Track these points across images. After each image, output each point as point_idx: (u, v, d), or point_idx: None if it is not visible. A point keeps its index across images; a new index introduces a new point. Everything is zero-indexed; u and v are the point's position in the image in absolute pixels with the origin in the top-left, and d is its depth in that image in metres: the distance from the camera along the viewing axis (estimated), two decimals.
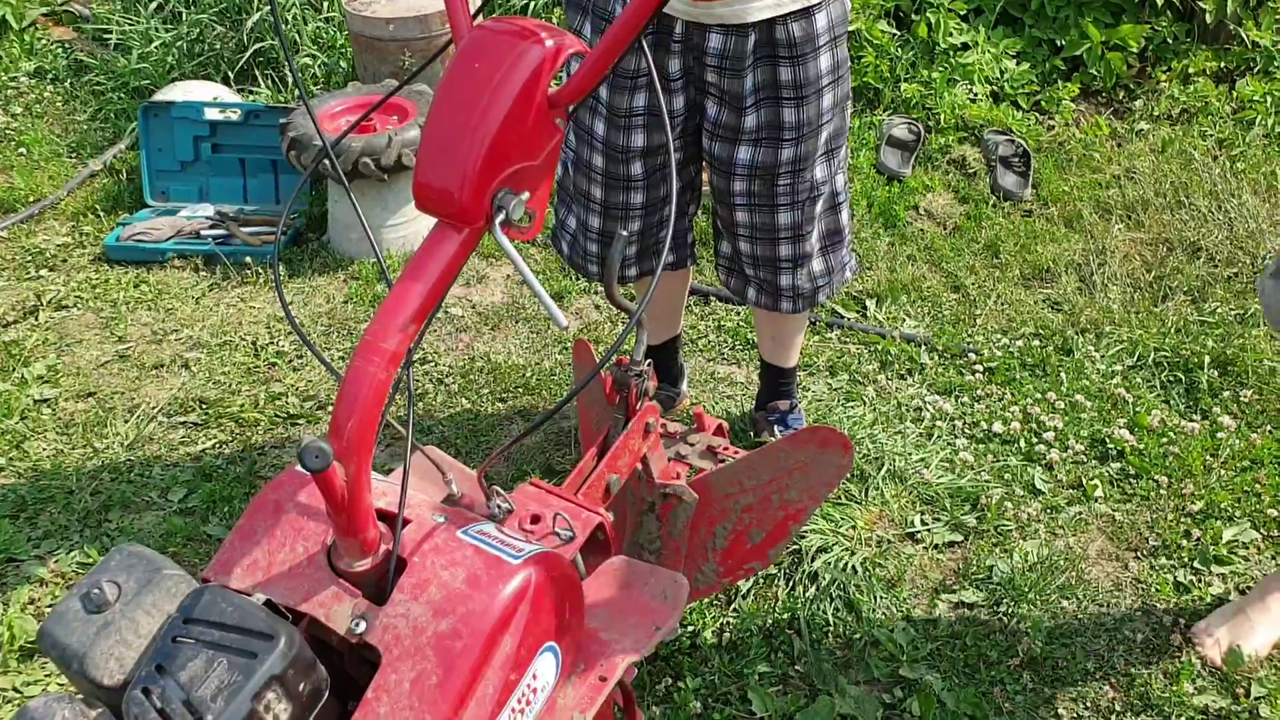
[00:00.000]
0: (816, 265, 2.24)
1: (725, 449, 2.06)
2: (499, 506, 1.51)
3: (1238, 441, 2.55)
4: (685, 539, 1.98)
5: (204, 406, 2.71)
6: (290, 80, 3.87)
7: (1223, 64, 4.12)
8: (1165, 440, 2.56)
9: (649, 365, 1.80)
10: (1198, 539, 2.31)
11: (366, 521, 1.32)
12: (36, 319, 3.04)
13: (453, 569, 1.32)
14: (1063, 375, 2.78)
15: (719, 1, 1.91)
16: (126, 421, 2.67)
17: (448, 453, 2.47)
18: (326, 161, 3.15)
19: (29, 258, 3.31)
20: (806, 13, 1.94)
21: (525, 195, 1.32)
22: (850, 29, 3.72)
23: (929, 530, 2.34)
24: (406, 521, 1.37)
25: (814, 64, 1.98)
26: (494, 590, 1.29)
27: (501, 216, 1.30)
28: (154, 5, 4.19)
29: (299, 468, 1.34)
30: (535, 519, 1.62)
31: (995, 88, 3.97)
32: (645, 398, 1.82)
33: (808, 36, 1.95)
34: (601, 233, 2.23)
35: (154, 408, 2.72)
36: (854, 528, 2.32)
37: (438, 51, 1.59)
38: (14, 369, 2.82)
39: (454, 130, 1.30)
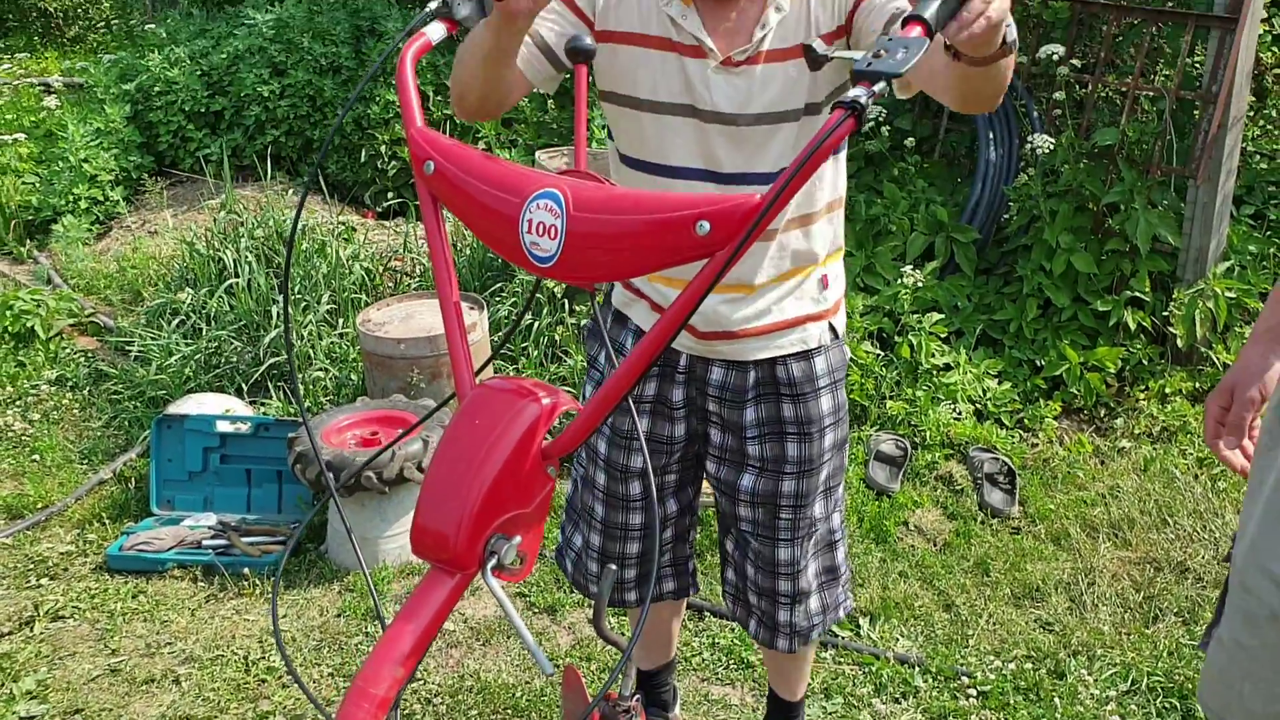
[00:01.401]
0: (813, 603, 2.25)
1: None
2: None
3: None
4: None
5: None
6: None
7: (1197, 384, 4.29)
8: None
9: (638, 700, 1.81)
10: None
11: None
12: (32, 630, 3.05)
13: None
14: (1056, 701, 2.76)
15: (721, 340, 2.05)
16: None
17: None
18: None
19: (30, 566, 3.35)
20: (805, 355, 2.07)
21: (517, 540, 1.39)
22: None
23: None
24: None
25: (815, 404, 2.08)
26: None
27: (494, 561, 1.37)
28: (176, 320, 4.42)
29: None
30: None
31: (978, 406, 4.12)
32: None
33: (807, 377, 2.07)
34: (602, 552, 2.28)
35: None
36: None
37: (440, 404, 1.70)
38: (3, 684, 2.80)
39: (453, 481, 1.38)
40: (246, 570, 3.28)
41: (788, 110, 1.88)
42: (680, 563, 2.39)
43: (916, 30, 1.24)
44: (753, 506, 2.16)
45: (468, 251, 4.58)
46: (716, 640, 3.02)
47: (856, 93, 1.22)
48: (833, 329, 2.11)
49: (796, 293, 2.04)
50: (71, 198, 5.99)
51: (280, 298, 4.30)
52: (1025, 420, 4.13)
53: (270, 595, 3.21)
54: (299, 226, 4.43)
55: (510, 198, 1.39)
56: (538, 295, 4.23)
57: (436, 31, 1.65)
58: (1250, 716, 1.70)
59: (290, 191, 5.53)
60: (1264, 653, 1.65)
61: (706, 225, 1.25)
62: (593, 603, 3.09)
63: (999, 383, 4.20)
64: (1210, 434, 1.76)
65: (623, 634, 3.00)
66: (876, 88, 1.22)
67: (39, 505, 3.67)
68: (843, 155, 2.05)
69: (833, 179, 2.02)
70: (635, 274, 1.39)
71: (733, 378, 2.09)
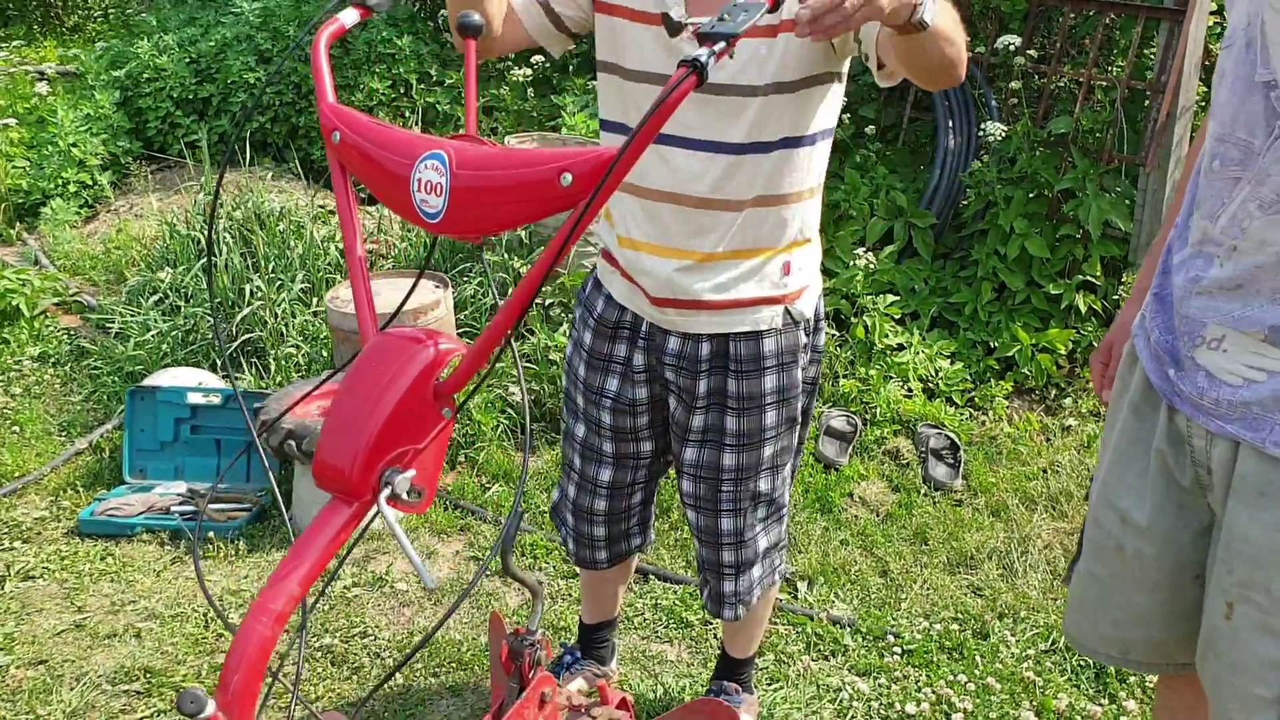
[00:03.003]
0: (756, 571, 2.36)
1: None
2: None
3: None
4: None
5: (148, 675, 2.81)
6: (273, 367, 4.16)
7: None
8: None
9: (543, 635, 1.94)
10: None
11: None
12: (2, 589, 3.18)
13: None
14: (978, 659, 2.89)
15: (672, 308, 2.15)
16: (72, 689, 2.77)
17: None
18: (292, 443, 3.38)
19: (5, 530, 3.48)
20: (754, 336, 2.14)
21: (411, 473, 1.51)
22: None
23: None
24: None
25: (758, 381, 2.16)
26: None
27: (388, 491, 1.50)
28: (154, 298, 4.55)
29: None
30: None
31: (930, 385, 4.24)
32: (538, 667, 1.94)
33: (753, 356, 2.15)
34: (575, 504, 2.42)
35: (100, 675, 2.82)
36: None
37: (334, 371, 1.82)
38: None
39: (350, 417, 1.51)
40: (211, 534, 3.41)
41: (753, 85, 1.93)
42: (644, 522, 2.52)
43: None
44: (695, 481, 2.27)
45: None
46: (659, 601, 3.15)
47: (699, 52, 1.34)
48: (789, 315, 2.15)
49: (755, 275, 2.10)
50: (60, 181, 6.12)
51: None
52: (976, 399, 4.25)
53: (232, 556, 3.35)
54: (218, 196, 4.59)
55: (402, 160, 1.51)
56: (503, 275, 4.36)
57: (350, 16, 1.78)
58: (1103, 642, 1.83)
59: (270, 176, 5.66)
60: (1112, 581, 1.78)
61: (569, 177, 1.37)
62: (568, 553, 3.22)
63: (951, 363, 4.32)
64: (1098, 387, 1.91)
65: (571, 593, 3.13)
66: (716, 48, 1.34)
67: (15, 474, 3.81)
68: (818, 147, 2.06)
69: (806, 166, 2.05)
70: (513, 226, 1.51)
71: (688, 348, 2.18)
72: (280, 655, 2.61)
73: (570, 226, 1.37)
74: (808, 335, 2.22)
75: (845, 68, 2.01)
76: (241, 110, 6.37)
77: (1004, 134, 4.44)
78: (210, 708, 1.39)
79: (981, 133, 4.50)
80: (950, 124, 4.76)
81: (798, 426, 2.28)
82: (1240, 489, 1.55)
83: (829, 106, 2.03)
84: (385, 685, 2.79)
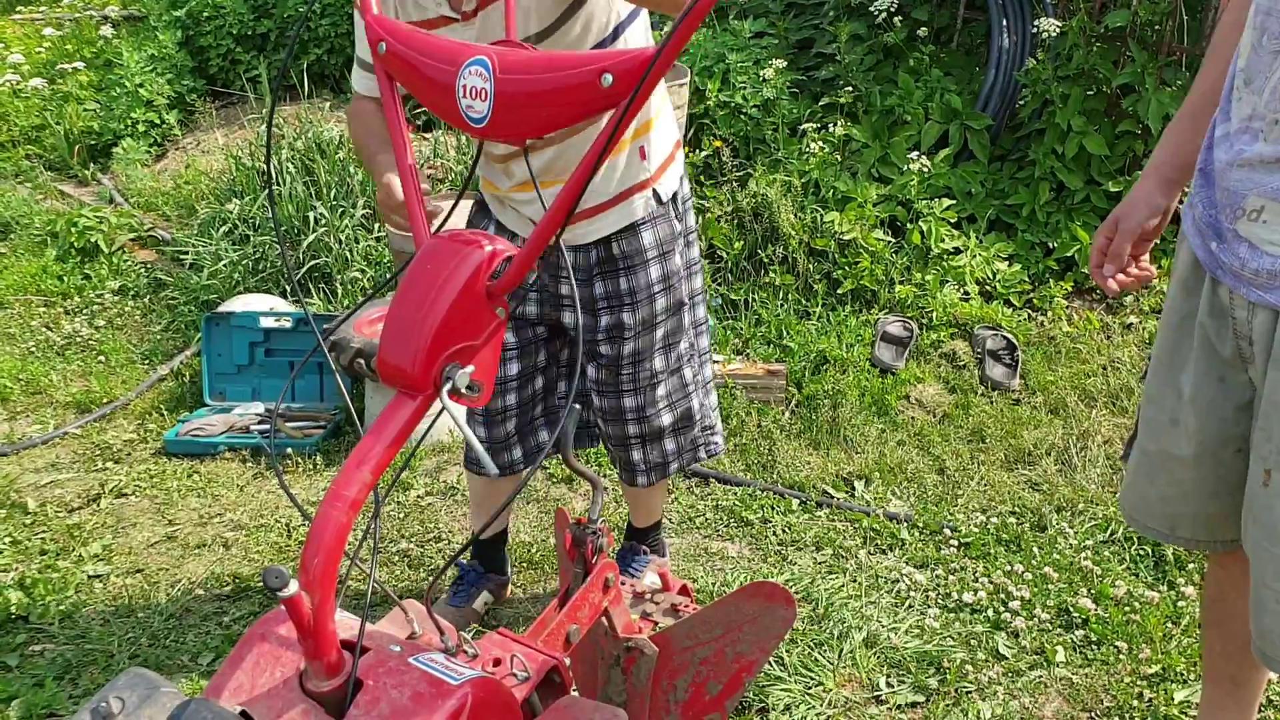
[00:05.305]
0: (668, 444, 2.55)
1: (687, 607, 2.25)
2: (465, 651, 1.73)
3: (1198, 609, 2.67)
4: (649, 691, 2.15)
5: (237, 580, 2.97)
6: (339, 291, 4.29)
7: None
8: (1129, 609, 2.69)
9: (603, 524, 2.03)
10: (1150, 700, 2.42)
11: (330, 646, 1.54)
12: (98, 505, 3.36)
13: (400, 688, 1.54)
14: (1035, 550, 2.94)
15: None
16: (168, 594, 2.94)
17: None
18: (361, 361, 3.50)
19: (97, 452, 3.66)
20: (631, 230, 2.31)
21: (470, 368, 1.60)
22: (848, 238, 4.05)
23: (894, 691, 2.48)
24: (366, 649, 1.60)
25: (643, 273, 2.34)
26: (434, 705, 1.50)
27: (449, 386, 1.59)
28: (224, 229, 4.69)
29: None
30: (497, 662, 1.83)
31: (987, 287, 4.24)
32: (600, 554, 2.04)
33: (635, 250, 2.32)
34: (485, 410, 2.53)
35: (193, 582, 2.99)
36: (823, 687, 2.47)
37: (406, 262, 1.91)
38: (74, 549, 3.12)
39: (408, 317, 1.60)
40: (290, 450, 3.56)
41: (527, 38, 2.07)
42: (548, 413, 2.63)
43: None
44: (599, 368, 2.44)
45: None
46: (720, 503, 3.24)
47: None
48: (657, 196, 2.32)
49: (617, 172, 2.25)
50: (130, 122, 6.28)
51: (316, 205, 4.54)
52: (1034, 300, 4.25)
53: (310, 470, 3.50)
54: (272, 120, 4.68)
55: (447, 67, 1.57)
56: None
57: None
58: (1152, 517, 1.88)
59: (329, 106, 5.75)
60: (1161, 456, 1.82)
61: (610, 77, 1.43)
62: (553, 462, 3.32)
63: (1009, 265, 4.31)
64: (1094, 262, 1.88)
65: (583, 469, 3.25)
66: None
67: (104, 401, 3.99)
68: (625, 35, 2.16)
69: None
70: (557, 128, 1.57)
71: (579, 259, 2.34)
72: (352, 548, 2.74)
73: (612, 126, 1.42)
74: (679, 220, 2.38)
75: None
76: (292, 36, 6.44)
77: (1059, 30, 4.37)
78: (293, 586, 1.51)
79: (1036, 30, 4.43)
80: (1004, 23, 4.69)
81: (685, 308, 2.44)
82: None
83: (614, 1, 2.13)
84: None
